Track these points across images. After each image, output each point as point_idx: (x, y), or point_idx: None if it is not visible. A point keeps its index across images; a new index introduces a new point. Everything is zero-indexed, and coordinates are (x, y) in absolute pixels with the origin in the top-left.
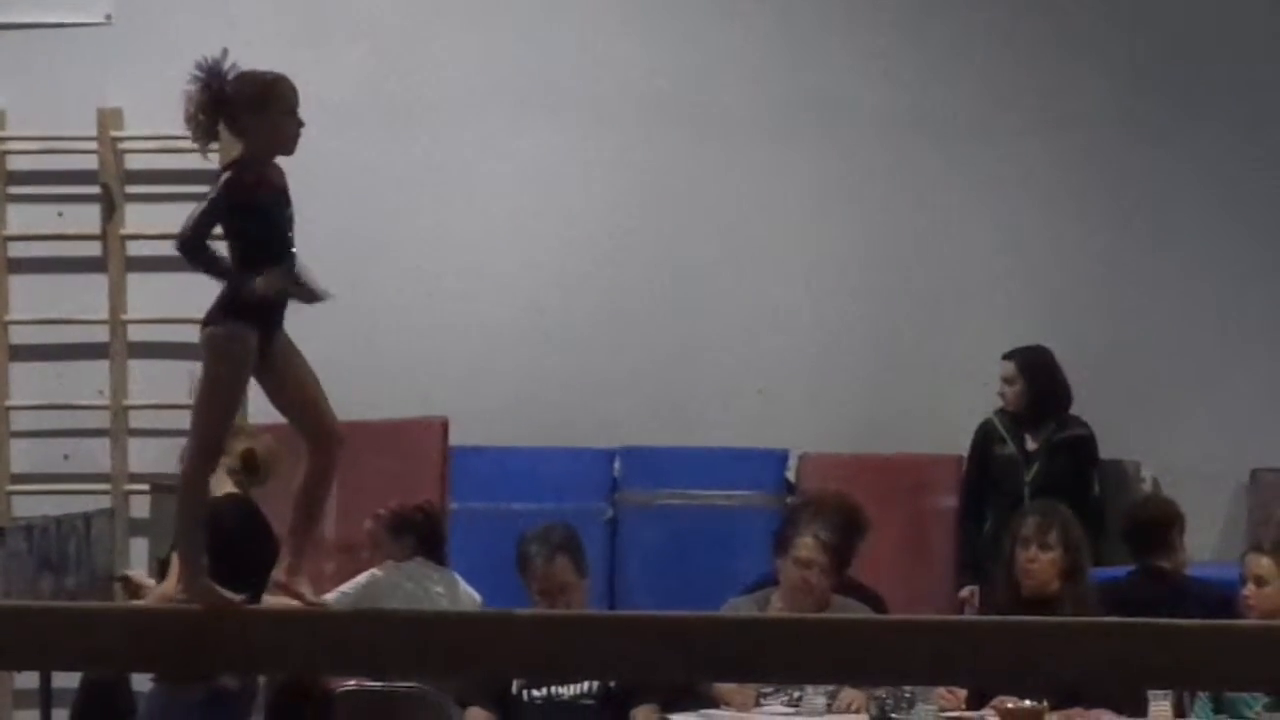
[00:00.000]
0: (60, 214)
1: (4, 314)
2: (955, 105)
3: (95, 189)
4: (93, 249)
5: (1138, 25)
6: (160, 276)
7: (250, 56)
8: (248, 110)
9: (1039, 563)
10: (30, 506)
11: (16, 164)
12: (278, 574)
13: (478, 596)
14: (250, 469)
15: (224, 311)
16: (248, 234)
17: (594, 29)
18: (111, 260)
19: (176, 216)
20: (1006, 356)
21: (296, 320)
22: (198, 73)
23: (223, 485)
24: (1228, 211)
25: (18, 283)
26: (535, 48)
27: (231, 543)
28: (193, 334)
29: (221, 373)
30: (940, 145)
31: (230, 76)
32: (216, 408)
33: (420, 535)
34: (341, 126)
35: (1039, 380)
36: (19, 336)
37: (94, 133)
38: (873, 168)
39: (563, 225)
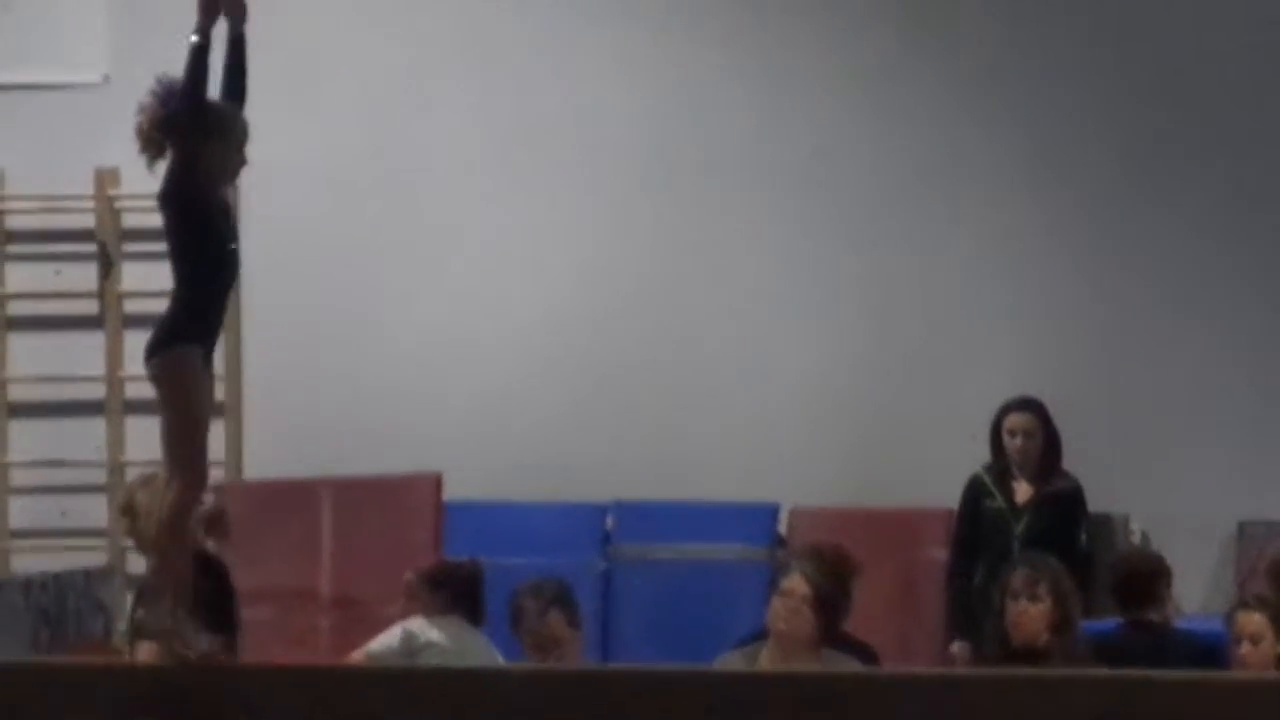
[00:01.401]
0: (58, 272)
1: (2, 372)
2: (951, 161)
3: (93, 247)
4: (90, 307)
5: (1134, 83)
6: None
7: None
8: (197, 136)
9: (1028, 615)
10: (28, 563)
11: (14, 223)
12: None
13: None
14: (208, 533)
15: (168, 338)
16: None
17: (588, 89)
18: (109, 318)
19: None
20: (1020, 408)
21: (294, 377)
22: (156, 89)
23: None
24: (1216, 266)
25: (16, 341)
26: (529, 109)
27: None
28: None
29: (182, 396)
30: (935, 202)
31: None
32: (189, 431)
33: (457, 592)
34: (337, 185)
35: (1051, 431)
36: (17, 394)
37: (91, 191)
38: (866, 223)
39: (555, 283)
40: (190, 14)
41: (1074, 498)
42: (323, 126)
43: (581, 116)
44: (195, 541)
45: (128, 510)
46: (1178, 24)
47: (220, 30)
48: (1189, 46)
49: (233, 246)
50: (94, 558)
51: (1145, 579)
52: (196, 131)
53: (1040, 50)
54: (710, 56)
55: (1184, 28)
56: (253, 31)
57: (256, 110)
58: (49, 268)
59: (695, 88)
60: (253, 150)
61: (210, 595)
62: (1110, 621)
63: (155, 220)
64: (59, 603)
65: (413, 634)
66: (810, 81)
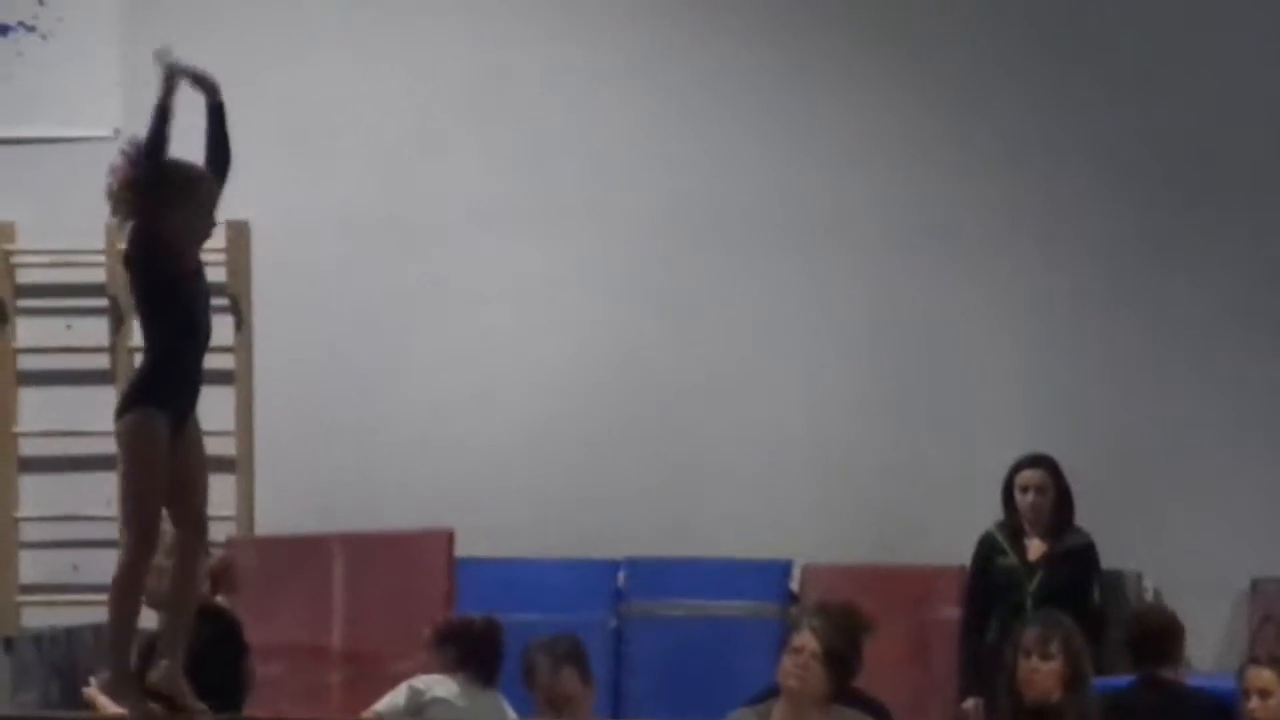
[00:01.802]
0: (69, 327)
1: (14, 426)
2: (963, 221)
3: (104, 302)
4: (101, 361)
5: (1150, 144)
6: None
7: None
8: (167, 197)
9: (1040, 673)
10: (40, 617)
11: (26, 277)
12: (152, 677)
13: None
14: (217, 587)
15: (134, 399)
16: (164, 316)
17: (605, 146)
18: (120, 372)
19: None
20: (1032, 465)
21: (305, 431)
22: (127, 149)
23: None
24: (1230, 325)
25: (28, 395)
26: (546, 165)
27: (209, 655)
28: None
29: (140, 458)
30: (949, 261)
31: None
32: (144, 494)
33: (465, 649)
34: (351, 240)
35: (1063, 487)
36: (29, 448)
37: (103, 246)
38: (876, 278)
39: (567, 340)
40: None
41: (1086, 554)
42: (337, 180)
43: (598, 174)
44: (203, 595)
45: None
46: (1197, 88)
47: (200, 101)
48: (1208, 110)
49: (202, 311)
50: (106, 613)
51: (1160, 635)
52: (160, 194)
53: (1059, 113)
54: (727, 116)
55: (1204, 92)
56: (270, 84)
57: (271, 162)
58: (60, 322)
59: (711, 147)
60: (267, 201)
61: (219, 650)
62: (1124, 678)
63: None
64: (70, 658)
65: (418, 690)
66: (827, 141)
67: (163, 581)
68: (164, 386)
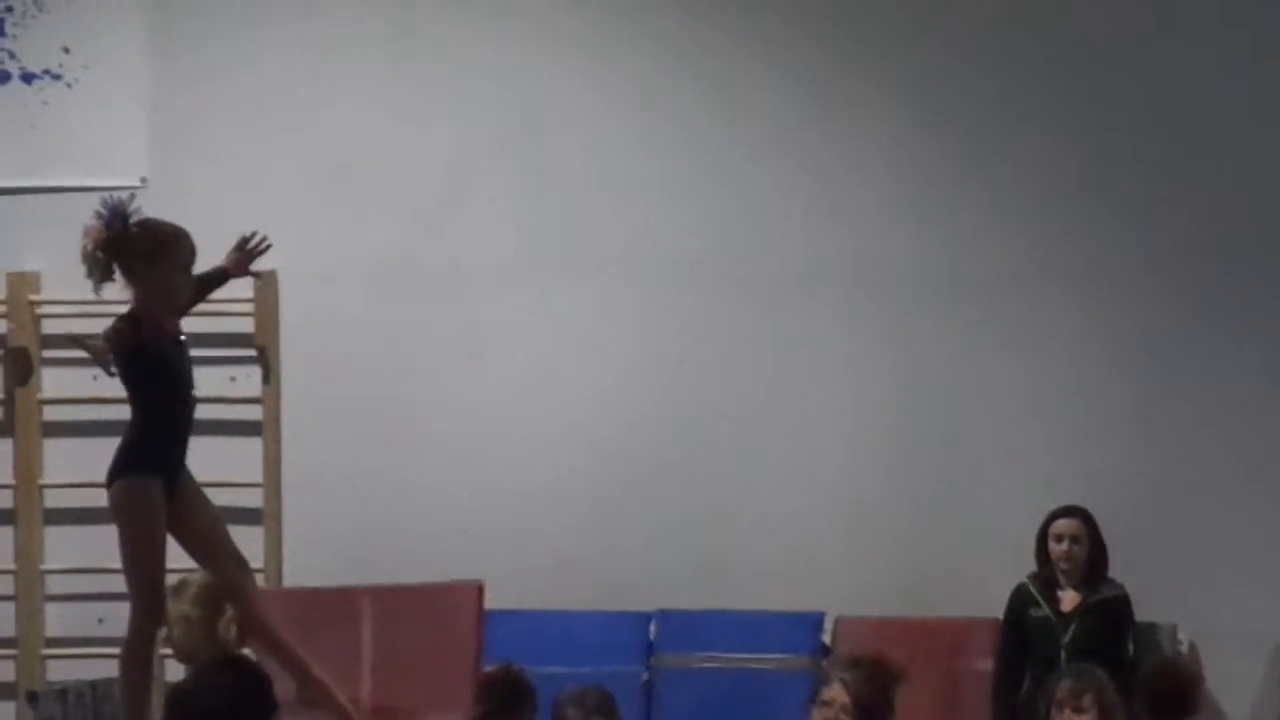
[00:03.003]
0: (96, 378)
1: (39, 477)
2: (990, 263)
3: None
4: (127, 412)
5: (1179, 192)
6: (195, 440)
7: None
8: (142, 259)
9: None
10: (65, 670)
11: (51, 327)
12: (303, 694)
13: None
14: (242, 639)
15: (125, 467)
16: (150, 383)
17: (629, 194)
18: None
19: (211, 377)
20: (1067, 514)
21: (333, 482)
22: (101, 210)
23: (202, 655)
24: (1263, 371)
25: (53, 446)
26: (570, 213)
27: (224, 711)
28: (230, 497)
29: (138, 526)
30: (974, 302)
31: (133, 220)
32: (144, 563)
33: (493, 706)
34: (378, 290)
35: (1097, 538)
36: (54, 500)
37: (128, 296)
38: (907, 326)
39: (596, 389)
40: (229, 121)
41: (1121, 606)
42: (365, 229)
43: (627, 222)
44: (229, 646)
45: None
46: (1235, 141)
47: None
48: (1245, 164)
49: (188, 375)
50: None
51: (1175, 690)
52: (139, 252)
53: (1090, 162)
54: (753, 165)
55: (1241, 146)
56: (298, 132)
57: (299, 212)
58: (86, 373)
59: (737, 195)
60: (295, 250)
61: (246, 706)
62: None
63: (192, 325)
64: (96, 713)
65: None
66: (854, 190)
67: (192, 634)
68: (154, 453)
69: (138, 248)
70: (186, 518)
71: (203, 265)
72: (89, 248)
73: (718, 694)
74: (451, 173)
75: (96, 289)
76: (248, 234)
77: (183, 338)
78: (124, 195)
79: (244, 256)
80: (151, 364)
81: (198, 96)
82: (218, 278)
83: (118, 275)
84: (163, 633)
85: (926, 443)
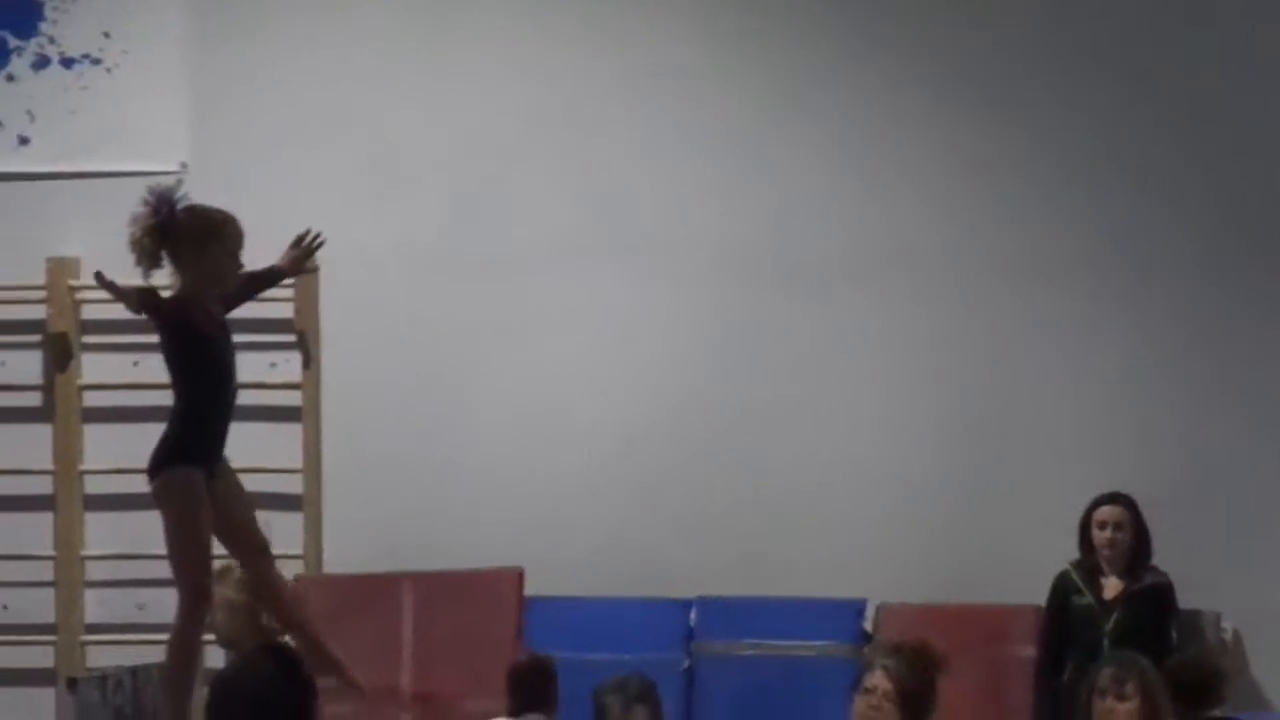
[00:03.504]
0: (136, 363)
1: (79, 463)
2: (1032, 251)
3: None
4: (167, 398)
5: (1215, 170)
6: (234, 425)
7: (326, 205)
8: (190, 244)
9: (1116, 713)
10: (105, 657)
11: (90, 313)
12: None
13: None
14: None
15: (168, 458)
16: (196, 370)
17: (670, 181)
18: None
19: (251, 362)
20: (1111, 501)
21: (374, 468)
22: (148, 197)
23: (244, 642)
24: None
25: (93, 432)
26: (612, 199)
27: (259, 701)
28: (266, 483)
29: (184, 517)
30: (1016, 290)
31: (180, 206)
32: (192, 552)
33: (528, 695)
34: (419, 276)
35: (1141, 525)
36: (94, 486)
37: (169, 281)
38: (948, 314)
39: (638, 375)
40: (270, 106)
41: (1164, 594)
42: (405, 215)
43: (666, 209)
44: (268, 632)
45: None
46: (1263, 118)
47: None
48: (1272, 145)
49: (231, 364)
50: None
51: (1198, 682)
52: (187, 238)
53: (1130, 150)
54: (793, 152)
55: (1271, 129)
56: (338, 119)
57: (338, 198)
58: (126, 358)
59: (779, 182)
60: (335, 235)
61: (287, 691)
62: None
63: (232, 311)
64: (135, 700)
65: None
66: (894, 177)
67: (235, 619)
68: (197, 444)
69: (185, 233)
70: (220, 505)
71: (247, 251)
72: (136, 234)
73: (758, 681)
74: (492, 159)
75: (145, 275)
76: (302, 232)
77: (226, 324)
78: (171, 181)
79: (300, 254)
80: (198, 351)
81: (238, 81)
82: (270, 276)
83: (165, 261)
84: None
85: (968, 430)
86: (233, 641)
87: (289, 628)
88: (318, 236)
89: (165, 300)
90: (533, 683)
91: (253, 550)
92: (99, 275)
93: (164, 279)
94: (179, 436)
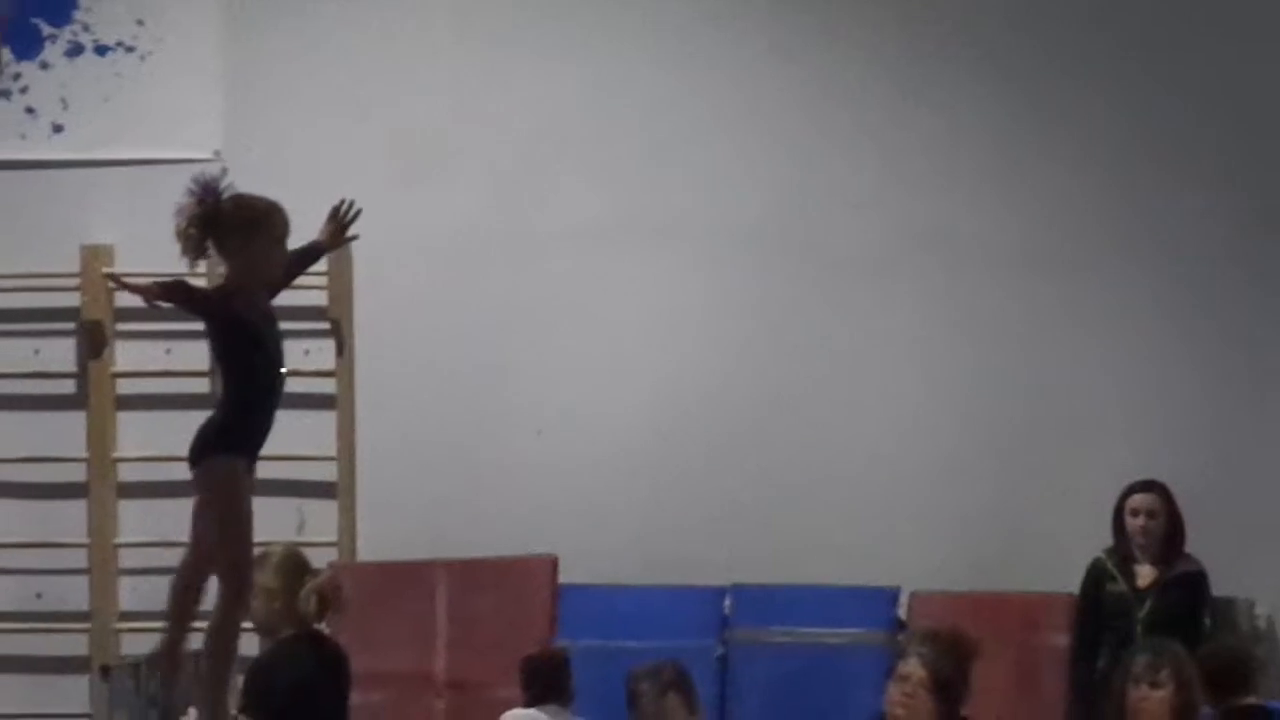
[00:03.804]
0: (169, 351)
1: (113, 451)
2: (1065, 239)
3: (204, 326)
4: (201, 386)
5: (1248, 159)
6: None
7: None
8: (236, 233)
9: (1150, 701)
10: (139, 644)
11: (124, 300)
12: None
13: None
14: (322, 609)
15: (213, 446)
16: (246, 361)
17: (703, 167)
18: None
19: (285, 349)
20: (1144, 489)
21: (408, 456)
22: (193, 187)
23: (280, 628)
24: None
25: (126, 420)
26: (647, 186)
27: (298, 686)
28: (305, 471)
29: (227, 506)
30: (1048, 278)
31: (225, 196)
32: (234, 541)
33: (546, 684)
34: (453, 263)
35: (1174, 513)
36: (128, 474)
37: (203, 270)
38: (981, 301)
39: (671, 363)
40: (303, 92)
41: (1197, 581)
42: (439, 202)
43: (699, 195)
44: (305, 618)
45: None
46: None
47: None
48: None
49: (279, 355)
50: (203, 643)
51: (1228, 670)
52: (232, 227)
53: (1159, 134)
54: (827, 138)
55: None
56: (372, 104)
57: (372, 184)
58: (160, 345)
59: (812, 170)
60: (369, 222)
61: (323, 678)
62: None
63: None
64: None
65: None
66: (925, 163)
67: (272, 605)
68: (242, 433)
69: (231, 222)
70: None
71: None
72: (182, 224)
73: (792, 668)
74: (525, 146)
75: (191, 265)
76: (337, 204)
77: (273, 314)
78: (216, 170)
79: (338, 227)
80: (245, 343)
81: (271, 69)
82: (313, 252)
83: (210, 250)
84: None
85: (1002, 418)
86: (269, 628)
87: (175, 622)
88: (353, 205)
89: (209, 293)
90: (547, 674)
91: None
92: (118, 280)
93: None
94: (224, 425)
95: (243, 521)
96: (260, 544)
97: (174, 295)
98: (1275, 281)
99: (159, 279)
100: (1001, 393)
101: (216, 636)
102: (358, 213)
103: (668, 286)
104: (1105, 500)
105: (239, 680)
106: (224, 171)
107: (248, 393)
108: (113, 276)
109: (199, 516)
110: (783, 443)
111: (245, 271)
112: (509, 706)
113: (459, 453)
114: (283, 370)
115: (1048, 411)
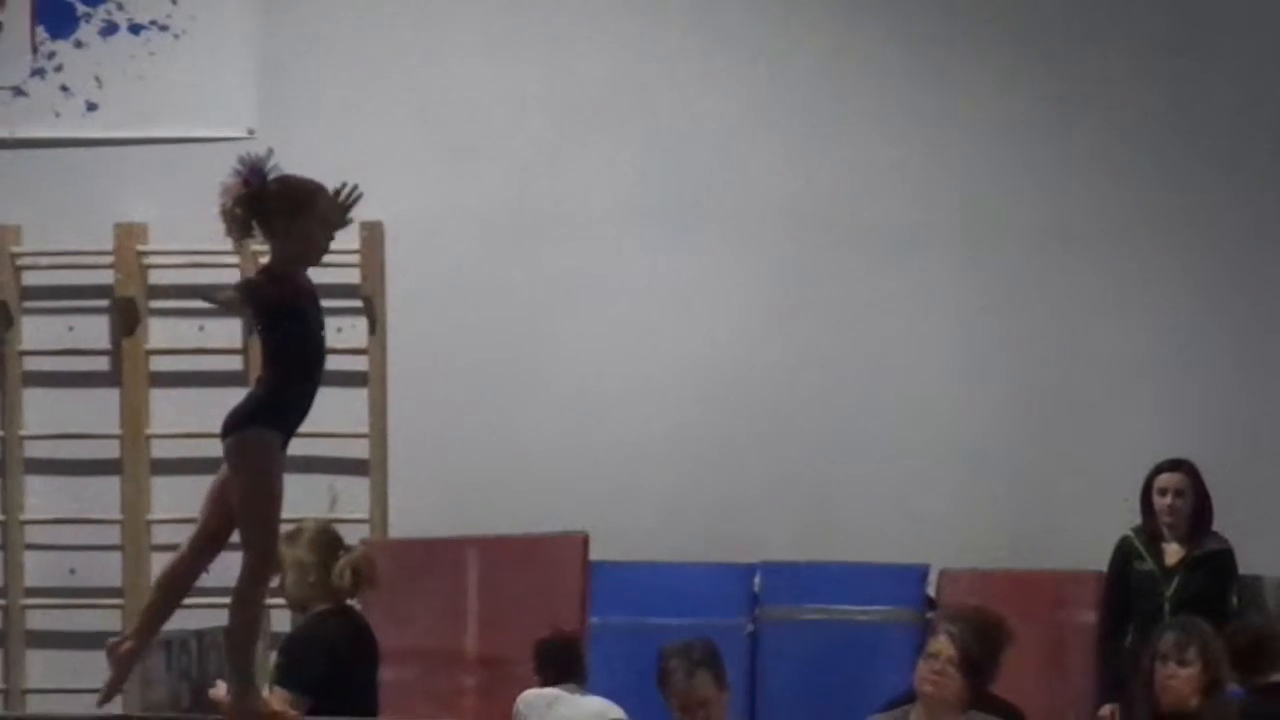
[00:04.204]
0: (201, 328)
1: (146, 427)
2: (1095, 214)
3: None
4: (234, 363)
5: (1276, 135)
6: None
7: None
8: (282, 214)
9: (1177, 679)
10: (171, 620)
11: (157, 278)
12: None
13: (616, 714)
14: (356, 584)
15: (250, 419)
16: (290, 342)
17: (734, 143)
18: (252, 374)
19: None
20: (1172, 468)
21: (440, 433)
22: (239, 167)
23: (313, 603)
24: None
25: (159, 396)
26: (676, 162)
27: (334, 659)
28: (337, 448)
29: (258, 480)
30: (1080, 255)
31: (271, 177)
32: (262, 516)
33: (561, 666)
34: (485, 241)
35: (1202, 492)
36: (160, 451)
37: (234, 247)
38: (1013, 280)
39: (703, 340)
40: (337, 72)
41: (1225, 560)
42: (471, 180)
43: (731, 173)
44: (339, 593)
45: (276, 567)
46: None
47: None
48: None
49: (321, 334)
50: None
51: (1255, 648)
52: (278, 208)
53: (1189, 111)
54: (859, 117)
55: None
56: (404, 82)
57: (405, 162)
58: (193, 323)
59: (843, 146)
60: (401, 201)
61: (355, 652)
62: (1235, 690)
63: None
64: (200, 662)
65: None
66: (957, 142)
67: (305, 579)
68: (281, 410)
69: (277, 204)
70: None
71: None
72: (228, 204)
73: (822, 646)
74: (559, 124)
75: (236, 245)
76: (340, 185)
77: (316, 294)
78: (262, 150)
79: (338, 209)
80: (293, 322)
81: (305, 48)
82: None
83: (255, 231)
84: (274, 582)
85: (1032, 396)
86: (301, 603)
87: (164, 591)
88: (355, 189)
89: (265, 286)
90: (562, 657)
91: (222, 536)
92: (203, 295)
93: (221, 244)
94: (263, 400)
95: (272, 496)
96: (291, 520)
97: (251, 297)
98: None
99: (236, 287)
100: (1032, 370)
101: (237, 605)
102: (359, 196)
103: (699, 264)
104: (1134, 477)
105: (271, 657)
106: (270, 152)
107: (290, 370)
108: (203, 296)
109: (216, 495)
110: (813, 420)
111: (289, 252)
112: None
113: (490, 430)
114: (325, 350)
115: (1077, 389)
